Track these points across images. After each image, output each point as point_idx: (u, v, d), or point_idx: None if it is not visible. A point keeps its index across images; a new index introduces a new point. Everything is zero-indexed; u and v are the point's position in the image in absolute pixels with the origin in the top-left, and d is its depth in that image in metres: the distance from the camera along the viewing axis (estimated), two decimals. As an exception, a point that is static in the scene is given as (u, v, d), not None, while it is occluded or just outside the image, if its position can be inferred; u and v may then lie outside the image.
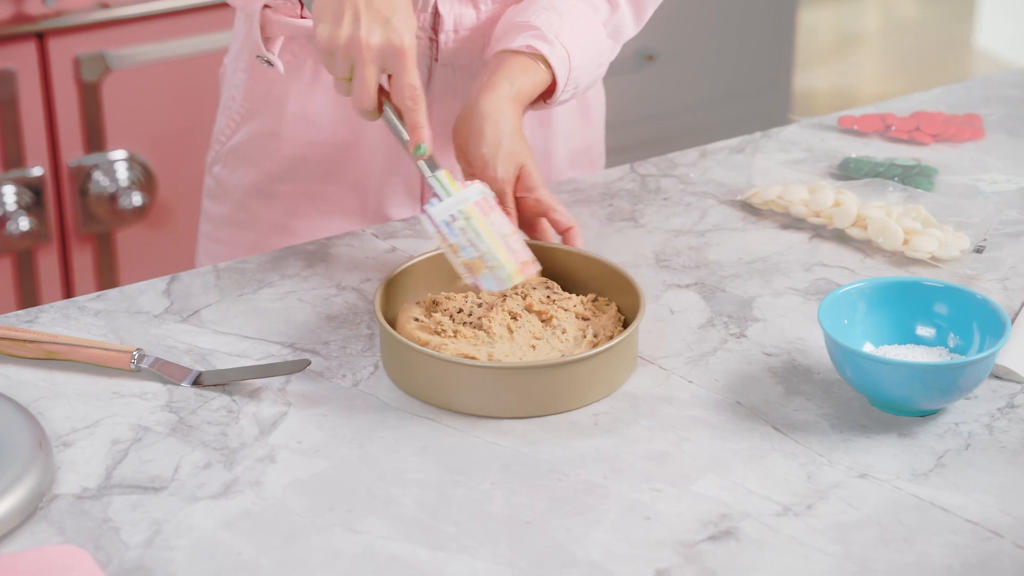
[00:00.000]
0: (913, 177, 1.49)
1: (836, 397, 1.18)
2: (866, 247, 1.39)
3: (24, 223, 2.15)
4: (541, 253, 1.26)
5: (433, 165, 1.20)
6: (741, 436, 1.13)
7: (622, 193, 1.48)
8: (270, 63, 1.35)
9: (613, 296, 1.25)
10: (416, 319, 1.21)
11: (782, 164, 1.54)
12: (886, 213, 1.40)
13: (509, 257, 1.19)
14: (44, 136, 2.16)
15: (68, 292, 2.22)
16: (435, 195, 1.19)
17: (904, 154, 1.55)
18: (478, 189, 1.20)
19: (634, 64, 2.78)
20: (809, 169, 1.53)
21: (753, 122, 2.87)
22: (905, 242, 1.37)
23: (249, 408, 1.15)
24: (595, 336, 1.21)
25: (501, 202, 1.26)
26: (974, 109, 1.65)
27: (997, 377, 1.20)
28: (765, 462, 1.10)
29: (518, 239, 1.21)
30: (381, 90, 1.20)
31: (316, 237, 1.45)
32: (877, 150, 1.56)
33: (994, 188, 1.48)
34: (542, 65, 1.31)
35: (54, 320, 1.26)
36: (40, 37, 2.12)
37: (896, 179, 1.49)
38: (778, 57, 2.94)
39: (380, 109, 1.21)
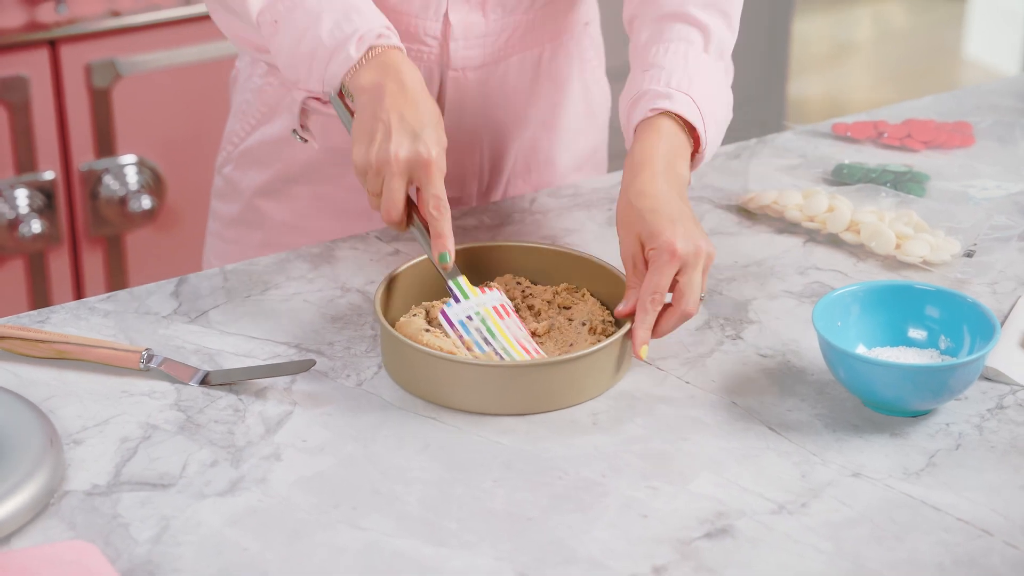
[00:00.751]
0: (905, 183, 1.51)
1: (829, 398, 1.20)
2: (859, 251, 1.41)
3: (36, 226, 2.16)
4: (517, 252, 1.30)
5: (454, 272, 1.23)
6: (737, 436, 1.15)
7: (620, 198, 1.50)
8: (304, 139, 1.36)
9: (590, 286, 1.28)
10: (415, 315, 1.23)
11: (777, 170, 1.55)
12: (879, 218, 1.41)
13: (522, 352, 1.20)
14: (56, 141, 2.18)
15: (79, 293, 2.24)
16: (454, 298, 1.22)
17: (896, 160, 1.57)
18: (496, 296, 1.23)
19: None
20: (803, 175, 1.54)
21: (748, 128, 2.89)
22: (897, 246, 1.39)
23: (255, 407, 1.17)
24: (589, 325, 1.23)
25: (658, 286, 1.17)
26: (964, 117, 1.67)
27: (987, 379, 1.22)
28: (760, 461, 1.12)
29: (531, 342, 1.22)
30: (410, 203, 1.23)
31: (324, 237, 1.47)
32: (870, 156, 1.58)
33: (984, 194, 1.50)
34: (671, 121, 1.26)
35: (65, 320, 1.27)
36: (52, 44, 2.14)
37: (888, 185, 1.50)
38: (773, 65, 2.95)
39: (409, 221, 1.23)
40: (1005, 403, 1.19)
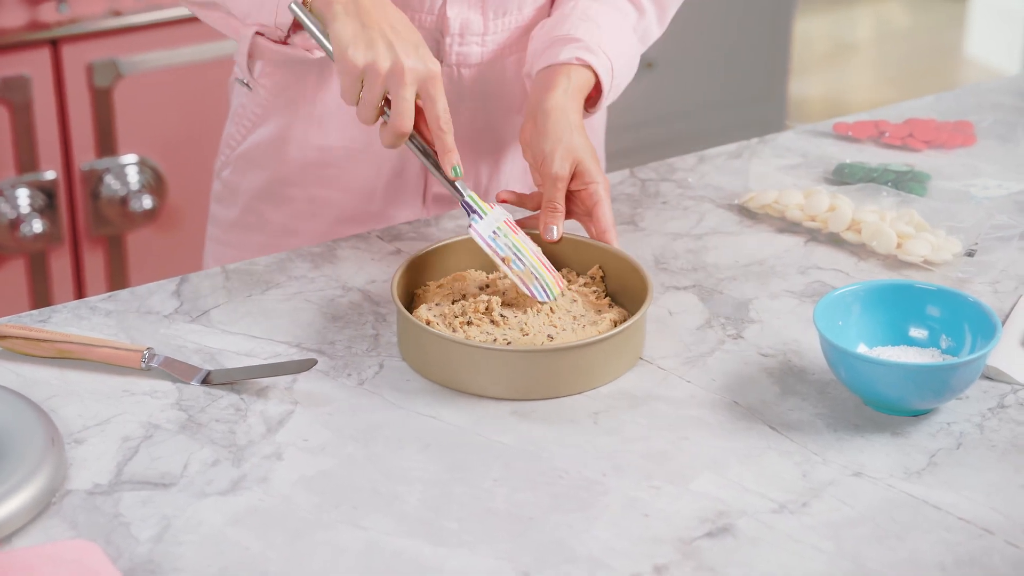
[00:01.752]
0: (906, 182, 1.51)
1: (831, 397, 1.20)
2: (860, 250, 1.41)
3: (37, 225, 2.17)
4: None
5: (465, 185, 1.25)
6: (738, 435, 1.15)
7: (622, 197, 1.50)
8: (247, 85, 1.36)
9: (609, 280, 1.30)
10: (438, 304, 1.24)
11: (778, 169, 1.56)
12: (880, 217, 1.42)
13: (546, 271, 1.24)
14: (57, 140, 2.18)
15: (80, 293, 2.24)
16: (473, 212, 1.24)
17: (897, 160, 1.57)
18: (502, 211, 1.26)
19: (632, 70, 2.79)
20: (805, 174, 1.54)
21: (750, 128, 2.89)
22: (898, 246, 1.39)
23: (257, 406, 1.17)
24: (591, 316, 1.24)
25: (553, 198, 1.29)
26: (965, 116, 1.67)
27: (988, 378, 1.22)
28: (761, 461, 1.12)
29: (544, 258, 1.26)
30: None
31: (323, 240, 1.47)
32: (871, 156, 1.58)
33: (985, 193, 1.50)
34: (590, 72, 1.35)
35: (67, 320, 1.27)
36: (54, 44, 2.14)
37: (889, 184, 1.51)
38: (774, 65, 2.95)
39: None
40: (1006, 402, 1.19)
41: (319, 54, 1.32)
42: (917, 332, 1.22)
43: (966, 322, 1.20)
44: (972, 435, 1.15)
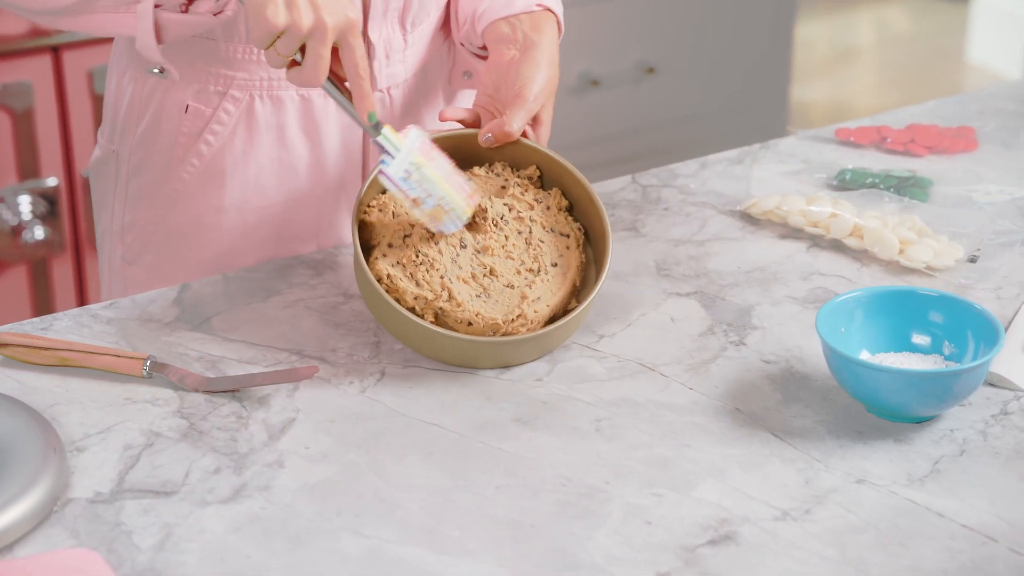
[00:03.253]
0: (908, 188, 1.51)
1: (833, 404, 1.20)
2: (862, 256, 1.41)
3: (39, 232, 2.17)
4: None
5: (378, 128, 1.24)
6: (740, 442, 1.15)
7: (624, 203, 1.50)
8: (163, 70, 1.32)
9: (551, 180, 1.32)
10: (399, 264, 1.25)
11: (780, 175, 1.55)
12: (882, 223, 1.42)
13: (458, 195, 1.25)
14: (59, 147, 2.18)
15: (81, 300, 2.24)
16: (386, 153, 1.24)
17: (899, 166, 1.57)
18: (416, 135, 1.25)
19: (635, 76, 2.80)
20: (807, 180, 1.54)
21: (751, 133, 2.89)
22: (901, 252, 1.39)
23: (258, 414, 1.17)
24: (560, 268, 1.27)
25: (514, 118, 1.29)
26: (967, 121, 1.67)
27: (991, 384, 1.22)
28: (764, 468, 1.12)
29: (458, 174, 1.27)
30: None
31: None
32: (873, 162, 1.58)
33: (988, 199, 1.50)
34: (551, 15, 1.37)
35: (68, 328, 1.27)
36: (55, 51, 2.15)
37: (892, 190, 1.51)
38: (776, 70, 2.96)
39: None
40: (1009, 409, 1.19)
41: (228, 13, 1.29)
42: (920, 338, 1.22)
43: (969, 328, 1.20)
44: (975, 442, 1.15)
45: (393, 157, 1.23)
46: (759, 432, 1.16)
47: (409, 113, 1.43)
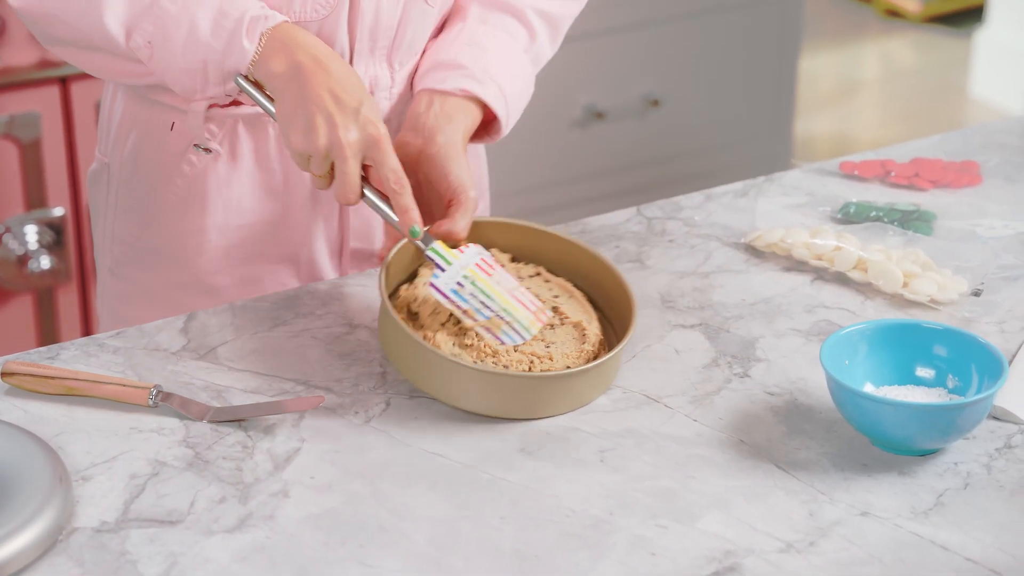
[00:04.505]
0: (912, 222, 1.51)
1: (837, 436, 1.20)
2: (866, 289, 1.41)
3: (45, 262, 2.17)
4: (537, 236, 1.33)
5: (428, 239, 1.24)
6: (745, 474, 1.15)
7: (628, 235, 1.50)
8: (208, 150, 1.35)
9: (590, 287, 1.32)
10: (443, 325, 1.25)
11: (785, 208, 1.56)
12: (886, 257, 1.42)
13: (522, 309, 1.22)
14: (66, 177, 2.19)
15: (87, 330, 2.24)
16: (437, 267, 1.23)
17: (904, 199, 1.57)
18: (475, 251, 1.24)
19: (639, 109, 2.81)
20: (811, 213, 1.55)
21: (756, 166, 2.90)
22: (905, 285, 1.39)
23: (263, 444, 1.17)
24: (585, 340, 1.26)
25: (465, 219, 1.27)
26: (972, 156, 1.67)
27: (995, 418, 1.22)
28: (768, 500, 1.12)
29: (524, 290, 1.25)
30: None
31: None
32: (877, 195, 1.59)
33: (992, 233, 1.50)
34: (475, 105, 1.34)
35: (74, 357, 1.27)
36: (63, 82, 2.16)
37: (896, 223, 1.51)
38: (780, 103, 2.97)
39: (361, 195, 1.24)
40: (1013, 442, 1.19)
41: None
42: (924, 372, 1.23)
43: (973, 362, 1.20)
44: (979, 475, 1.15)
45: (443, 271, 1.23)
46: (763, 464, 1.16)
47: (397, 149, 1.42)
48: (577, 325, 1.27)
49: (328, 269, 1.45)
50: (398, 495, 1.12)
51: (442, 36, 1.39)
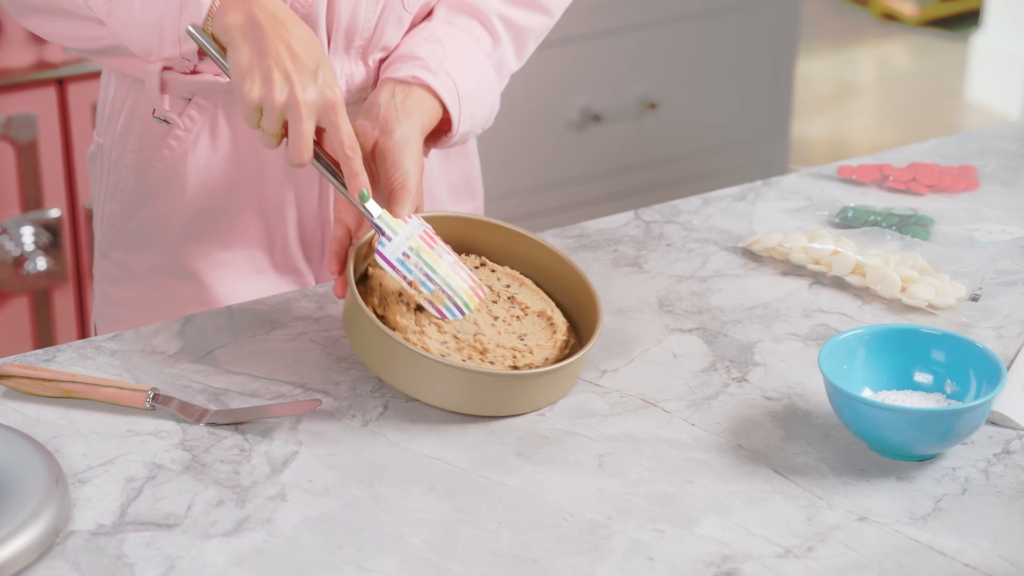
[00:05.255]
0: (910, 226, 1.51)
1: (836, 441, 1.20)
2: (864, 294, 1.41)
3: (41, 263, 2.17)
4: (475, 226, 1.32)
5: (375, 207, 1.24)
6: (742, 479, 1.15)
7: (626, 239, 1.50)
8: (167, 120, 1.35)
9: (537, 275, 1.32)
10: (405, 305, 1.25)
11: (783, 212, 1.56)
12: (884, 261, 1.42)
13: (462, 284, 1.24)
14: (62, 178, 2.19)
15: (83, 332, 2.24)
16: (383, 235, 1.23)
17: (901, 204, 1.58)
18: (418, 223, 1.25)
19: (636, 111, 2.81)
20: (809, 217, 1.55)
21: (753, 169, 2.90)
22: (903, 290, 1.39)
23: (261, 447, 1.17)
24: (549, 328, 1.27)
25: (409, 205, 1.27)
26: (969, 160, 1.67)
27: (993, 423, 1.22)
28: (766, 504, 1.12)
29: (463, 265, 1.26)
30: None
31: (233, 300, 1.43)
32: (875, 200, 1.59)
33: (989, 238, 1.51)
34: (431, 96, 1.34)
35: (71, 359, 1.27)
36: (60, 83, 2.16)
37: (894, 228, 1.51)
38: (777, 106, 2.97)
39: (314, 156, 1.24)
40: (1011, 448, 1.19)
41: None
42: (922, 377, 1.23)
43: (971, 367, 1.20)
44: (978, 480, 1.15)
45: (390, 239, 1.23)
46: (761, 469, 1.16)
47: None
48: (542, 314, 1.28)
49: (300, 258, 1.45)
50: (396, 498, 1.12)
51: (408, 34, 1.39)
